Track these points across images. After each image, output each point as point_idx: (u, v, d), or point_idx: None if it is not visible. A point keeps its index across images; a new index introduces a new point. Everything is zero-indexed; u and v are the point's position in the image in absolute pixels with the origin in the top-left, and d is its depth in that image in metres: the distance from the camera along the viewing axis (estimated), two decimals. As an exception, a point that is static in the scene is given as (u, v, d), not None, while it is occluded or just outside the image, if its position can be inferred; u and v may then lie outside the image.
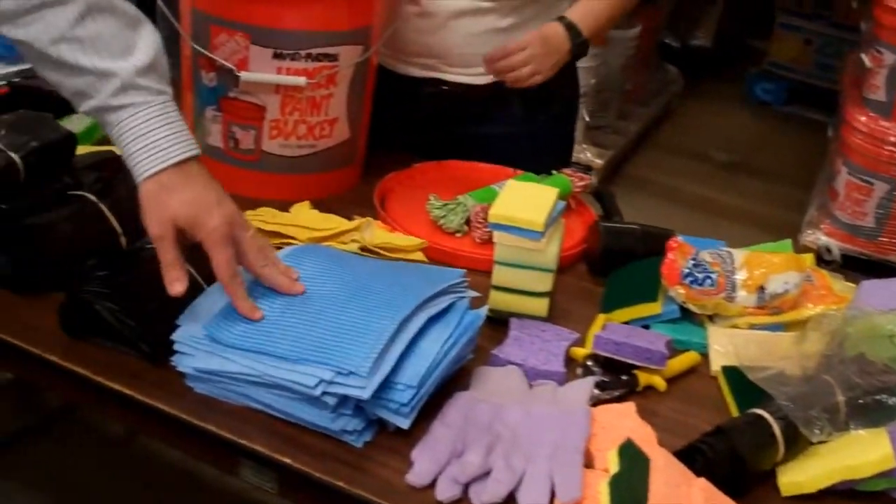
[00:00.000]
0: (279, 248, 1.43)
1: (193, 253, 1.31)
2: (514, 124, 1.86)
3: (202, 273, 1.30)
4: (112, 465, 2.37)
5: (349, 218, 1.54)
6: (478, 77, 1.79)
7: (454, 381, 1.24)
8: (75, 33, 1.17)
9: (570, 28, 1.74)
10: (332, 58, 1.56)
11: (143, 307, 1.22)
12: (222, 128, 1.61)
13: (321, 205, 1.60)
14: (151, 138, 1.18)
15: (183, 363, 1.18)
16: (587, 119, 3.95)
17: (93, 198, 1.41)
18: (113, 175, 1.48)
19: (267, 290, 1.21)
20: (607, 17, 1.80)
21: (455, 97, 1.83)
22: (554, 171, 1.70)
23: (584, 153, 3.95)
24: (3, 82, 1.93)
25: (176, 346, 1.19)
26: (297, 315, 1.17)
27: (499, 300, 1.37)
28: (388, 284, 1.23)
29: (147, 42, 1.20)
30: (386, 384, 1.12)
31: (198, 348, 1.17)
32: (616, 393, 1.27)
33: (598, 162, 3.97)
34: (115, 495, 2.28)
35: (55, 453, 2.37)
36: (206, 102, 1.60)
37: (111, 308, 1.21)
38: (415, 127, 1.86)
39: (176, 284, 1.18)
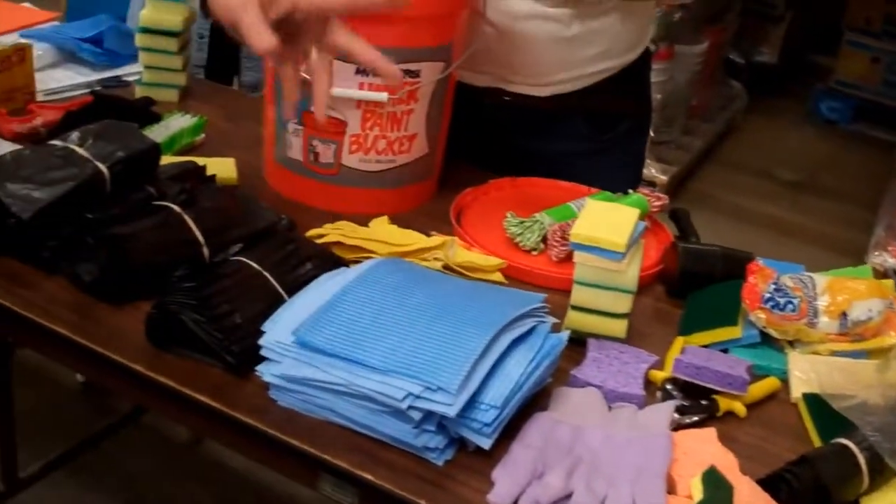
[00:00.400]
0: (359, 262, 1.44)
1: (275, 265, 1.34)
2: (578, 141, 1.83)
3: (282, 284, 1.32)
4: (178, 470, 2.39)
5: (426, 233, 1.55)
6: (540, 88, 1.78)
7: (533, 400, 1.24)
8: None
9: None
10: (414, 74, 1.57)
11: (228, 319, 1.23)
12: (303, 141, 1.62)
13: (398, 219, 1.61)
14: None
15: (269, 371, 1.19)
16: (652, 134, 3.93)
17: (177, 208, 1.43)
18: (196, 186, 1.51)
19: (357, 298, 1.22)
20: None
21: (517, 109, 1.81)
22: (630, 190, 1.69)
23: (649, 169, 3.93)
24: (87, 91, 1.96)
25: (263, 352, 1.20)
26: (387, 326, 1.18)
27: (577, 320, 1.37)
28: (473, 303, 1.24)
29: None
30: (470, 403, 1.12)
31: (285, 354, 1.18)
32: (696, 418, 1.26)
33: (663, 178, 3.96)
34: (180, 499, 2.31)
35: (123, 456, 2.40)
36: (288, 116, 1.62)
37: (197, 319, 1.22)
38: (478, 139, 1.86)
39: (263, 39, 1.14)
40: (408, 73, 1.56)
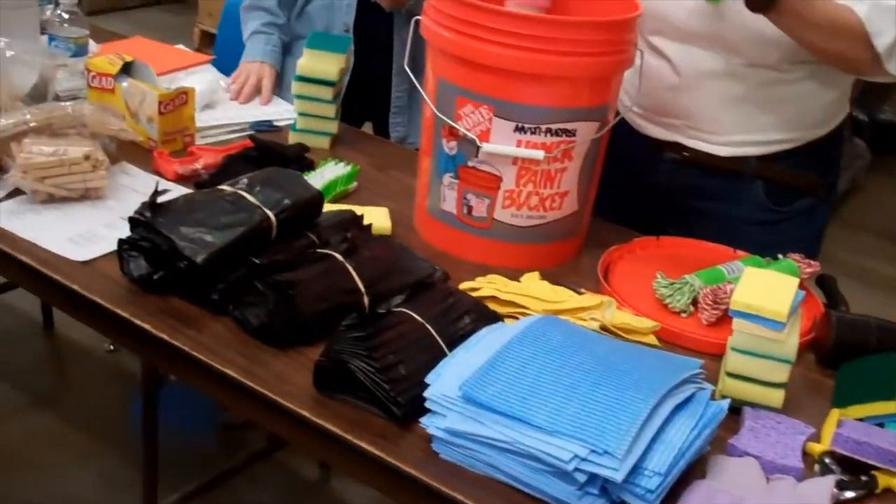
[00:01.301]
0: (514, 317, 1.46)
1: (435, 317, 1.36)
2: (753, 208, 1.82)
3: (443, 337, 1.34)
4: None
5: (575, 290, 1.56)
6: (718, 147, 1.78)
7: (691, 467, 1.23)
8: None
9: None
10: (570, 133, 1.59)
11: (395, 370, 1.26)
12: (457, 194, 1.65)
13: (545, 274, 1.63)
14: None
15: (434, 423, 1.21)
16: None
17: (339, 257, 1.47)
18: (356, 235, 1.55)
19: (519, 356, 1.24)
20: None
21: (693, 166, 1.81)
22: (780, 255, 1.68)
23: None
24: (240, 133, 2.03)
25: (428, 404, 1.22)
26: (551, 385, 1.19)
27: (733, 388, 1.37)
28: (634, 367, 1.25)
29: None
30: (634, 468, 1.13)
31: (450, 408, 1.20)
32: (855, 493, 1.25)
33: (785, 236, 3.90)
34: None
35: (254, 491, 2.45)
36: (444, 169, 1.65)
37: (366, 369, 1.25)
38: (647, 192, 1.86)
39: None
40: (564, 132, 1.59)
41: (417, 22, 1.67)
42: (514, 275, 1.61)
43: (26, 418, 2.68)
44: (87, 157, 1.67)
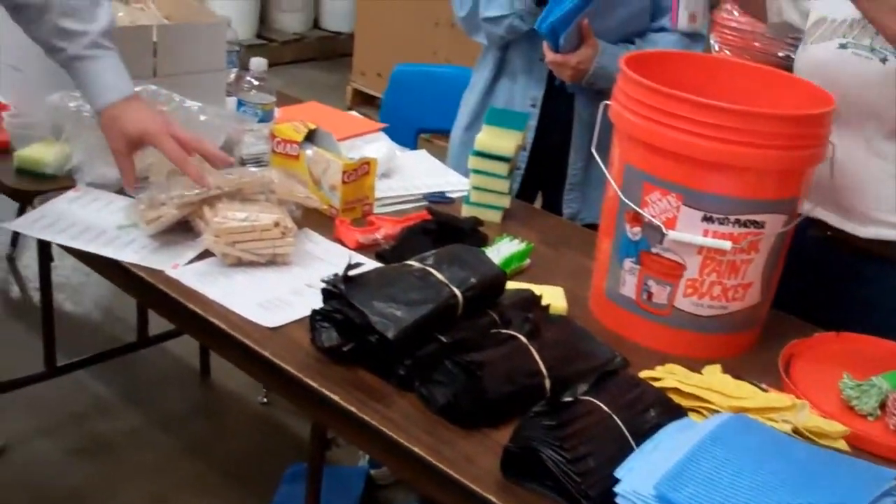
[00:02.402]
0: (697, 411, 1.45)
1: (622, 408, 1.35)
2: None
3: (630, 429, 1.33)
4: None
5: (757, 384, 1.53)
6: (864, 228, 1.75)
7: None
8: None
9: None
10: (759, 225, 1.57)
11: (585, 461, 1.25)
12: (638, 280, 1.65)
13: (724, 364, 1.60)
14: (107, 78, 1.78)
15: (624, 520, 1.20)
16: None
17: (524, 339, 1.47)
18: (538, 316, 1.55)
19: (714, 457, 1.22)
20: None
21: (838, 246, 1.78)
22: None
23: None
24: (415, 203, 2.06)
25: (619, 500, 1.21)
26: (750, 490, 1.17)
27: (929, 501, 1.32)
28: (831, 477, 1.22)
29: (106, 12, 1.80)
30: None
31: (643, 506, 1.19)
32: None
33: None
34: None
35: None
36: (625, 253, 1.65)
37: (557, 459, 1.25)
38: (794, 272, 1.82)
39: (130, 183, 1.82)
40: (752, 223, 1.57)
41: (606, 106, 1.68)
42: (692, 363, 1.60)
43: (179, 465, 2.75)
44: (276, 224, 1.72)
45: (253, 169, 1.89)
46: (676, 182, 1.56)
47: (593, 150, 1.72)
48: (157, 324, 3.04)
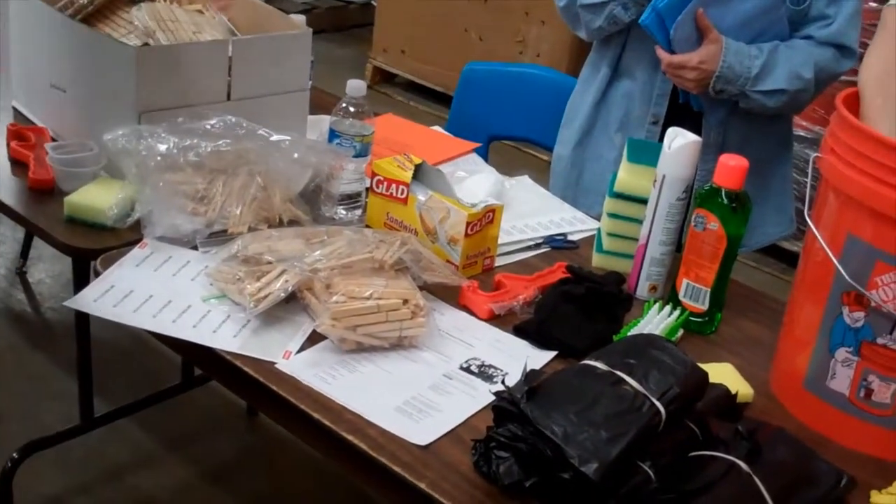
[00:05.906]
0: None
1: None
2: None
3: None
4: None
5: None
6: None
7: None
8: None
9: None
10: None
11: None
12: (854, 374, 1.35)
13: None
14: None
15: None
16: None
17: (745, 467, 1.18)
18: (751, 428, 1.26)
19: None
20: None
21: None
22: None
23: None
24: (540, 252, 1.76)
25: None
26: None
27: None
28: None
29: None
30: None
31: None
32: None
33: None
34: None
35: None
36: (840, 341, 1.35)
37: None
38: None
39: None
40: None
41: (815, 159, 1.38)
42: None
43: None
44: (405, 302, 1.41)
45: (352, 224, 1.57)
46: (919, 263, 1.27)
47: (808, 217, 1.39)
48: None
